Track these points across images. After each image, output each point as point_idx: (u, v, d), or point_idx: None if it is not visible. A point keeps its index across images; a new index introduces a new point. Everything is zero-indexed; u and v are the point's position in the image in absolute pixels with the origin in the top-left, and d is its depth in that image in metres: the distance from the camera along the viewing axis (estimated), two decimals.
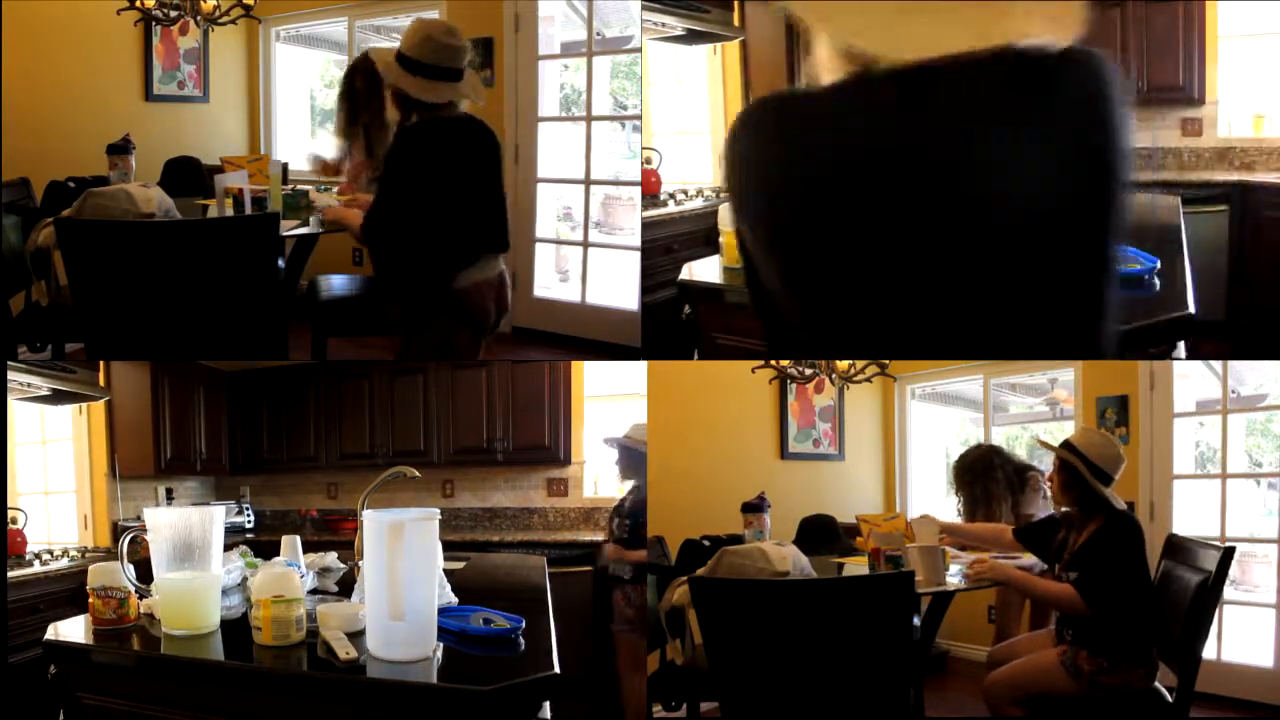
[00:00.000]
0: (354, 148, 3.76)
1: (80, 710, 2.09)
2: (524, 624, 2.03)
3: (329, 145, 4.13)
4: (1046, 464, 5.19)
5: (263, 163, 3.87)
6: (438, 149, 2.89)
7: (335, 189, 3.88)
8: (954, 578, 3.04)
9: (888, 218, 1.27)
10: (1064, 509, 3.01)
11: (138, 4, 4.61)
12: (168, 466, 5.27)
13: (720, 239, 2.40)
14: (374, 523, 1.84)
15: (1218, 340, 4.97)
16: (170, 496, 5.54)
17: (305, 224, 3.63)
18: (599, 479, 5.37)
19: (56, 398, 4.49)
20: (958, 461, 4.28)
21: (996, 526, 3.40)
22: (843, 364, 3.96)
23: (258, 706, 1.85)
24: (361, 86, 3.58)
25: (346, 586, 2.60)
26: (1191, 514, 4.40)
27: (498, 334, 5.55)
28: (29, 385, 4.11)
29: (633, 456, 3.58)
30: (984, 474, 4.10)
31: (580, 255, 5.48)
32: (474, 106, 3.03)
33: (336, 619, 1.96)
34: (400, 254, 3.00)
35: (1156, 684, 2.80)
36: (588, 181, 5.37)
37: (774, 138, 1.34)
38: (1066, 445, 2.90)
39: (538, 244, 5.61)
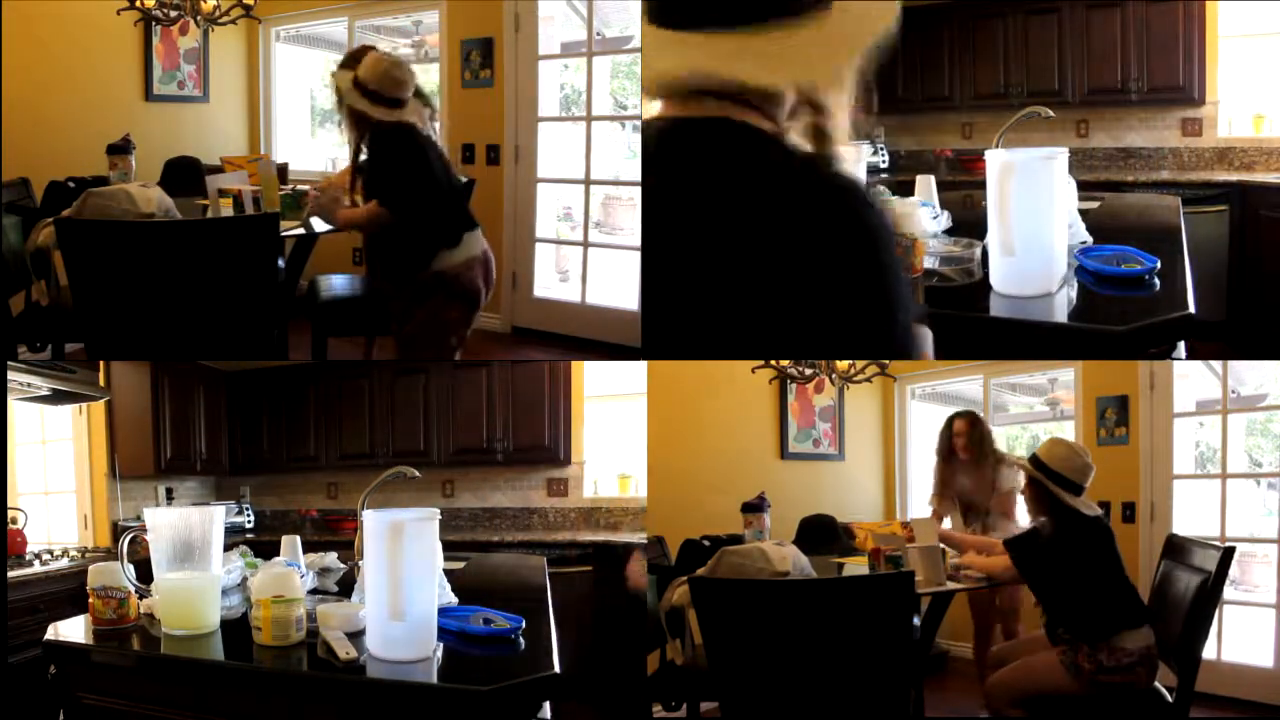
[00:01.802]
0: None
1: (80, 710, 2.09)
2: (524, 624, 2.03)
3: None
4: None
5: (255, 165, 3.89)
6: (407, 144, 3.15)
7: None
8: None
9: None
10: (1040, 519, 3.01)
11: (138, 4, 4.61)
12: (168, 466, 5.26)
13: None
14: (374, 523, 1.84)
15: (1218, 340, 4.97)
16: (170, 496, 5.54)
17: (305, 224, 3.63)
18: (599, 479, 5.37)
19: (56, 398, 4.48)
20: (949, 423, 4.29)
21: (989, 540, 3.42)
22: (843, 364, 3.96)
23: (258, 706, 1.85)
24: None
25: (346, 586, 2.60)
26: (1191, 514, 4.40)
27: (498, 334, 5.58)
28: (29, 385, 4.11)
29: None
30: (983, 436, 4.16)
31: (580, 255, 5.47)
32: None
33: (336, 619, 1.96)
34: (388, 242, 3.22)
35: (1156, 684, 2.80)
36: (588, 181, 5.37)
37: None
38: (1032, 460, 2.92)
39: (538, 244, 5.61)
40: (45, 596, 3.62)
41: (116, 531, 4.95)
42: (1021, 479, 4.15)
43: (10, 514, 4.04)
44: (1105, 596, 2.77)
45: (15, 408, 4.44)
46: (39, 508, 4.89)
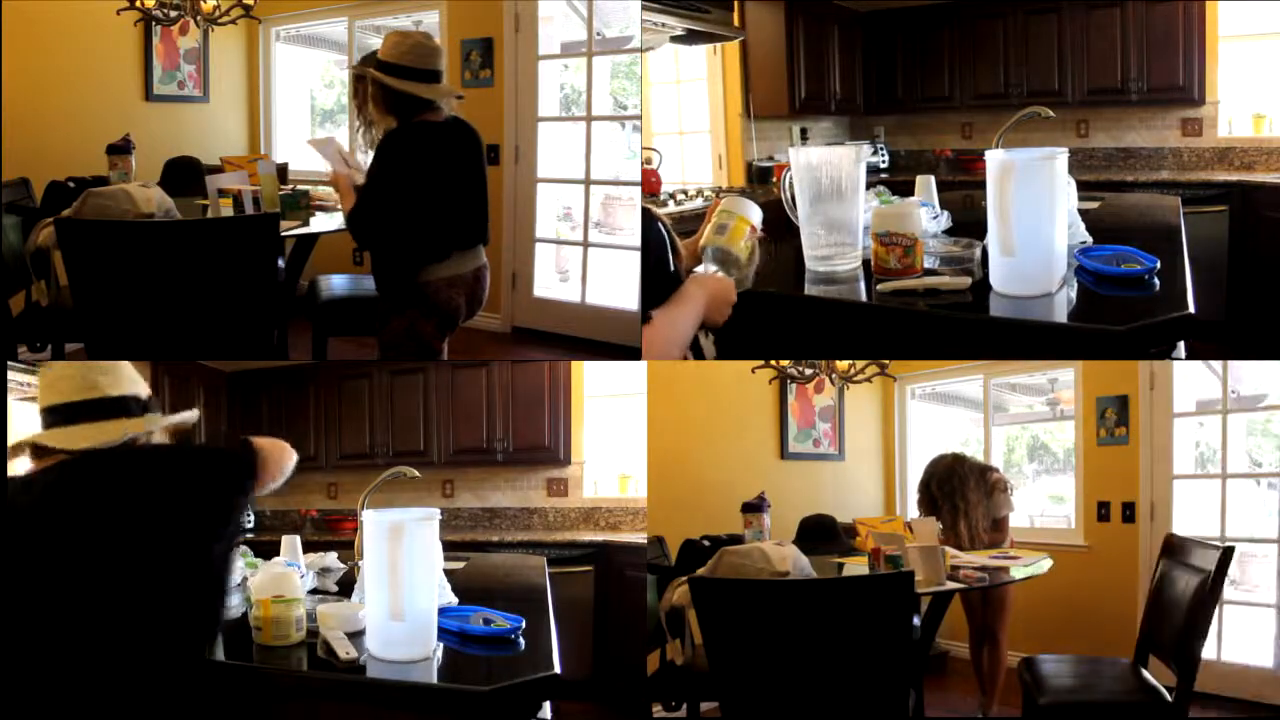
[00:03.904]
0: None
1: None
2: (524, 624, 2.03)
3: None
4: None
5: (255, 165, 3.88)
6: (417, 152, 2.96)
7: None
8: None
9: None
10: None
11: (138, 4, 4.61)
12: None
13: (729, 224, 2.36)
14: (374, 523, 1.84)
15: (1218, 340, 4.96)
16: None
17: (305, 224, 3.64)
18: (599, 479, 5.38)
19: None
20: (930, 475, 4.10)
21: None
22: (843, 364, 3.97)
23: (258, 706, 1.85)
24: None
25: (346, 586, 2.60)
26: (1191, 514, 4.40)
27: (498, 334, 5.58)
28: (29, 385, 4.11)
29: None
30: (962, 484, 4.05)
31: (580, 255, 5.48)
32: (458, 106, 3.10)
33: (336, 619, 1.96)
34: (374, 247, 3.10)
35: (1156, 683, 2.80)
36: (588, 181, 5.37)
37: None
38: None
39: (538, 244, 5.61)
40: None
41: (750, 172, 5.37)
42: (1014, 503, 4.14)
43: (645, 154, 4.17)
44: None
45: (15, 408, 4.44)
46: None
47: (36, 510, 1.69)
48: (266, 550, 2.87)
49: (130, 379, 1.89)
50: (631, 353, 4.92)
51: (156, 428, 1.86)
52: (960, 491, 4.00)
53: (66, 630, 1.63)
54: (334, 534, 5.47)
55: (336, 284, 4.04)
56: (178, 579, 1.69)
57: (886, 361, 4.01)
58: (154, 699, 1.64)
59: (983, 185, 2.08)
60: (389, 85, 2.94)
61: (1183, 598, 2.87)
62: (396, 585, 1.80)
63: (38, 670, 1.61)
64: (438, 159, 3.00)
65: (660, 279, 2.09)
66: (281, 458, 1.88)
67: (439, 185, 3.00)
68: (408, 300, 3.10)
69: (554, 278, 5.73)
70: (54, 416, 1.82)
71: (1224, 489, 4.36)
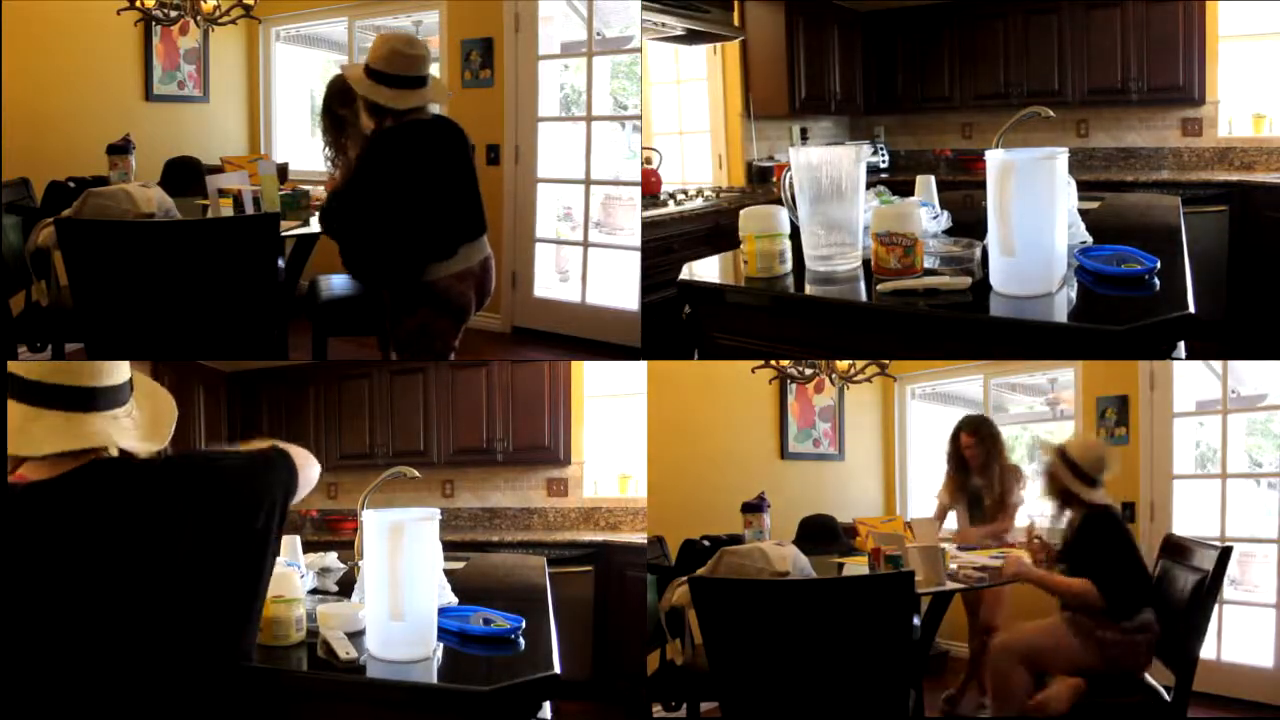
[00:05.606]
0: (340, 161, 3.80)
1: (714, 349, 2.25)
2: (524, 624, 2.03)
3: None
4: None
5: (255, 165, 3.88)
6: (408, 151, 2.99)
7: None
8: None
9: None
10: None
11: (138, 4, 4.61)
12: None
13: (741, 245, 2.36)
14: (374, 523, 1.84)
15: (1218, 340, 4.97)
16: None
17: (305, 224, 3.64)
18: (599, 479, 5.37)
19: None
20: (958, 429, 4.22)
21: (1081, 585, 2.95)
22: (843, 364, 3.96)
23: (257, 706, 1.84)
24: (344, 111, 3.61)
25: (346, 586, 2.60)
26: (1191, 514, 4.40)
27: (498, 334, 5.58)
28: None
29: None
30: (992, 435, 4.13)
31: (580, 255, 5.48)
32: (445, 106, 3.12)
33: (336, 619, 1.96)
34: (365, 248, 3.08)
35: (1155, 683, 2.80)
36: (588, 181, 5.37)
37: None
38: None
39: (538, 244, 5.62)
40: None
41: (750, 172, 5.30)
42: (1025, 494, 4.16)
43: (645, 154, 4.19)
44: (1124, 588, 2.82)
45: None
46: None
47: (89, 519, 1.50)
48: None
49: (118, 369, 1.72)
50: (631, 353, 4.92)
51: (129, 426, 1.67)
52: (991, 435, 4.08)
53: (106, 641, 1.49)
54: (334, 534, 5.47)
55: (336, 284, 4.04)
56: (227, 586, 1.61)
57: (886, 361, 4.01)
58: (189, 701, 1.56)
59: (983, 185, 2.08)
60: (372, 100, 2.99)
61: (1182, 597, 2.87)
62: (396, 585, 1.80)
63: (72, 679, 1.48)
64: (432, 156, 3.02)
65: None
66: (308, 468, 1.80)
67: (438, 182, 3.03)
68: (418, 299, 3.12)
69: (554, 278, 5.73)
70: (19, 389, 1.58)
71: (1224, 489, 4.36)
